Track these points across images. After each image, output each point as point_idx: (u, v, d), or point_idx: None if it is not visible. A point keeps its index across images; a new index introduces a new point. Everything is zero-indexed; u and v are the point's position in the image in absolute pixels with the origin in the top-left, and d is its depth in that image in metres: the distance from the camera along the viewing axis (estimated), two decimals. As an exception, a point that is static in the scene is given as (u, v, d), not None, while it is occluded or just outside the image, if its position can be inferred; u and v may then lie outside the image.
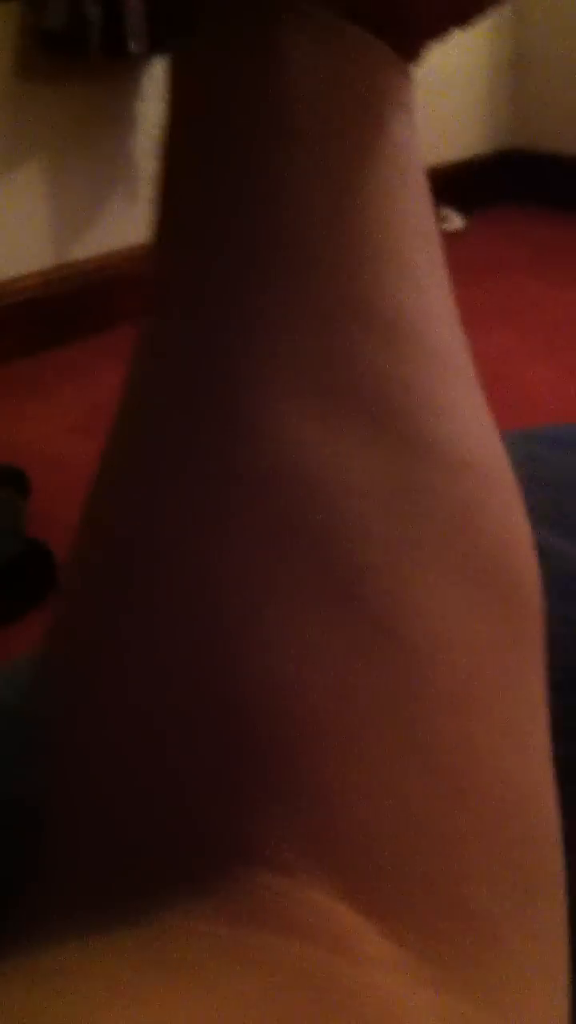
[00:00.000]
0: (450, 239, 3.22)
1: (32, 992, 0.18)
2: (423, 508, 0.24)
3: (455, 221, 3.34)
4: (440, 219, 3.23)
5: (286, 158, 0.26)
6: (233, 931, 0.20)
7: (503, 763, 0.23)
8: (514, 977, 0.21)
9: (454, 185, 3.41)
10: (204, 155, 0.27)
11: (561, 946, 0.23)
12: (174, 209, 0.27)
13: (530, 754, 0.24)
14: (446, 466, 0.25)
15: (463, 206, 3.41)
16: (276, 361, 0.25)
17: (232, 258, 0.26)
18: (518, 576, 0.25)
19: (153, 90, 2.60)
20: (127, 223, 2.64)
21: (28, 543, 1.63)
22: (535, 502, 0.46)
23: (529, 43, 3.50)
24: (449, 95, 3.39)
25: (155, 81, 2.59)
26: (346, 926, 0.20)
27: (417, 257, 0.27)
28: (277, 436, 0.24)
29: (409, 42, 0.29)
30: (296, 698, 0.22)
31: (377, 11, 0.27)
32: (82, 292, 2.56)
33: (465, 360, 0.28)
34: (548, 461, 0.49)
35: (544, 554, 0.43)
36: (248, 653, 0.22)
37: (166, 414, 0.25)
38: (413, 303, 0.26)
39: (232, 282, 0.25)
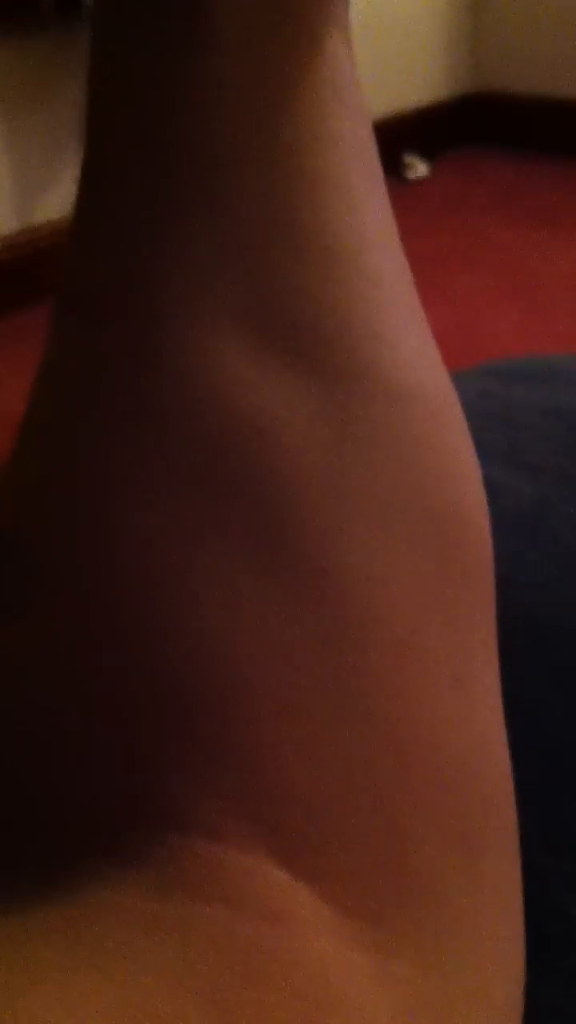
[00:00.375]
0: (415, 186, 3.22)
1: None
2: (363, 444, 0.23)
3: (419, 168, 3.32)
4: (405, 166, 3.23)
5: (207, 72, 0.24)
6: (161, 904, 0.19)
7: (448, 712, 0.22)
8: (459, 938, 0.20)
9: (417, 131, 3.40)
10: (122, 79, 0.25)
11: (514, 904, 0.22)
12: (93, 140, 0.26)
13: (478, 702, 0.23)
14: (387, 398, 0.23)
15: (426, 152, 3.40)
16: (201, 292, 0.23)
17: (154, 184, 0.24)
18: (464, 512, 0.24)
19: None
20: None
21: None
22: (488, 438, 0.46)
23: (487, -17, 3.48)
24: (409, 41, 3.37)
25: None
26: (280, 891, 0.19)
27: (354, 179, 0.25)
28: (204, 372, 0.23)
29: None
30: (226, 650, 0.21)
31: None
32: (46, 255, 2.54)
33: (407, 286, 0.26)
34: (500, 396, 0.48)
35: (494, 491, 0.42)
36: (174, 604, 0.21)
37: (85, 356, 0.24)
38: (349, 226, 0.25)
39: (154, 209, 0.24)
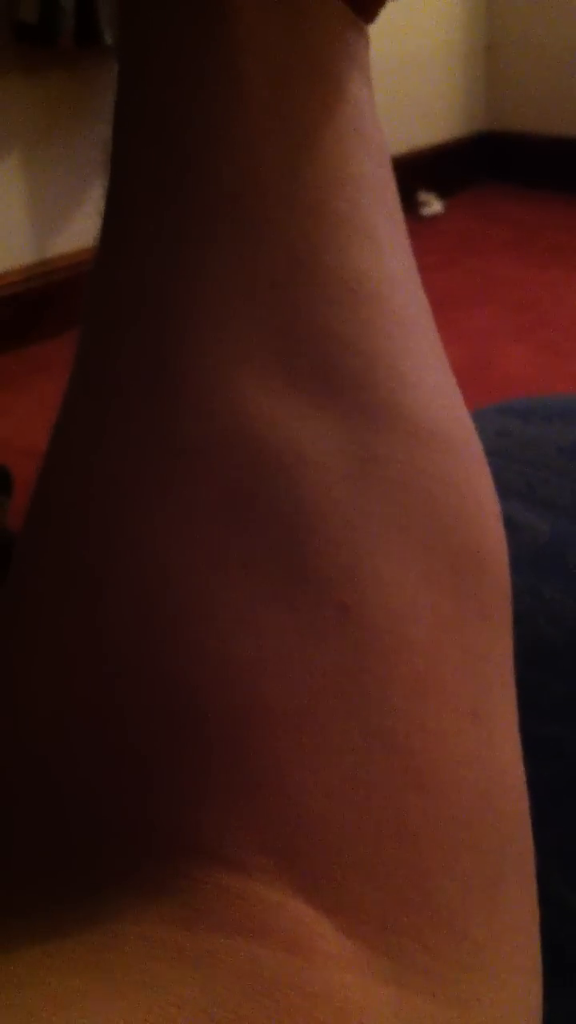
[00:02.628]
0: (430, 223, 3.23)
1: None
2: (384, 480, 0.23)
3: (434, 205, 3.33)
4: (420, 203, 3.23)
5: (236, 113, 0.24)
6: (186, 935, 0.19)
7: (468, 745, 0.22)
8: (479, 971, 0.21)
9: (432, 169, 3.41)
10: (149, 113, 0.25)
11: (532, 935, 0.22)
12: (119, 172, 0.26)
13: (497, 735, 0.23)
14: (409, 436, 0.24)
15: (441, 190, 3.40)
16: (226, 327, 0.23)
17: (178, 219, 0.24)
18: (484, 549, 0.24)
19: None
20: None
21: (11, 538, 1.63)
22: (506, 476, 0.47)
23: (502, 28, 3.50)
24: (425, 80, 3.38)
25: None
26: (302, 924, 0.19)
27: (376, 218, 0.25)
28: (229, 406, 0.23)
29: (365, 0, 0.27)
30: (248, 682, 0.21)
31: None
32: (63, 287, 2.55)
33: (428, 326, 0.26)
34: (519, 434, 0.48)
35: (515, 527, 0.43)
36: (197, 635, 0.21)
37: (111, 387, 0.24)
38: (372, 266, 0.25)
39: (178, 244, 0.24)
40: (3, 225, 2.50)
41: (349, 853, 0.20)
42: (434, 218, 3.29)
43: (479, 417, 0.50)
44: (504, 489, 0.44)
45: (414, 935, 0.20)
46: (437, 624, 0.22)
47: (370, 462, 0.23)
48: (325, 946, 0.19)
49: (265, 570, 0.22)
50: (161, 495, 0.22)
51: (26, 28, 2.32)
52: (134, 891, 0.20)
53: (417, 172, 3.32)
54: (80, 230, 2.60)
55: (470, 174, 3.58)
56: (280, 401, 0.23)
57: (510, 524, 0.42)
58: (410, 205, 3.27)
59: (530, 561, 0.41)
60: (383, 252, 0.25)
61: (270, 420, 0.23)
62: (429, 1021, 0.19)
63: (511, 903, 0.22)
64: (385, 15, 0.30)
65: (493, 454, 0.46)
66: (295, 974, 0.19)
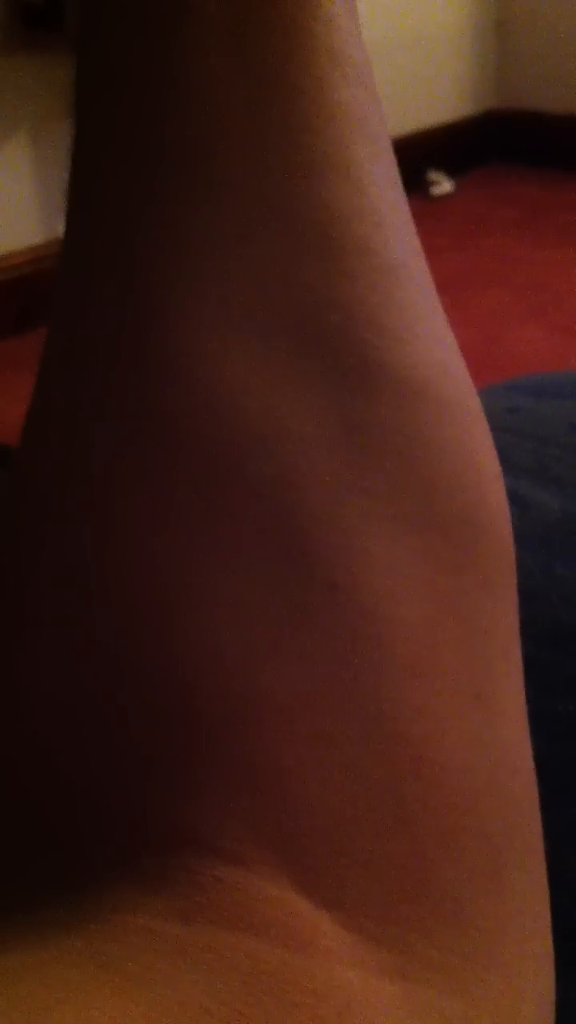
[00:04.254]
0: (440, 202, 3.22)
1: None
2: (371, 449, 0.22)
3: (444, 184, 3.32)
4: (430, 183, 3.23)
5: (192, 51, 0.22)
6: (185, 929, 0.19)
7: (470, 728, 0.21)
8: (486, 959, 0.20)
9: (442, 148, 3.40)
10: (102, 63, 0.23)
11: (542, 920, 0.22)
12: (82, 137, 0.24)
13: (501, 715, 0.22)
14: (396, 398, 0.22)
15: (451, 169, 3.39)
16: (198, 291, 0.22)
17: (144, 177, 0.22)
18: (483, 515, 0.23)
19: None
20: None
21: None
22: (516, 453, 0.46)
23: (512, 5, 3.47)
24: (434, 58, 3.37)
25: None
26: (303, 920, 0.19)
27: (356, 151, 0.23)
28: (207, 376, 0.21)
29: None
30: (241, 672, 0.20)
31: None
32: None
33: (418, 268, 0.24)
34: (530, 411, 0.48)
35: (525, 505, 0.43)
36: (187, 623, 0.20)
37: (79, 365, 0.23)
38: (352, 206, 0.23)
39: (138, 204, 0.22)
40: (11, 206, 2.50)
41: (348, 845, 0.20)
42: (444, 197, 3.28)
43: (488, 394, 0.50)
44: (514, 466, 0.43)
45: (417, 926, 0.20)
46: (434, 601, 0.21)
47: (355, 430, 0.22)
48: (326, 941, 0.19)
49: (251, 552, 0.21)
50: (140, 476, 0.21)
51: (33, 11, 2.32)
52: (132, 883, 0.19)
53: (427, 151, 3.31)
54: (89, 212, 2.60)
55: (480, 153, 3.57)
56: (257, 367, 0.22)
57: (521, 502, 0.42)
58: (420, 185, 3.26)
59: (542, 539, 0.40)
60: (365, 189, 0.23)
61: (249, 389, 0.21)
62: (435, 1013, 0.19)
63: (518, 888, 0.21)
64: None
65: (503, 431, 0.46)
66: (297, 970, 0.18)
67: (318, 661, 0.20)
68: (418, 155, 3.25)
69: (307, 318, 0.22)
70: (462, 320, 2.40)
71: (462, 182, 3.40)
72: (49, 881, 0.20)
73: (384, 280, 0.23)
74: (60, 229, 0.24)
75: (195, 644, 0.20)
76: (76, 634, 0.21)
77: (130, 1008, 0.17)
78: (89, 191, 0.24)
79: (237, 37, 0.22)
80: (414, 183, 3.24)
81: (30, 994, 0.17)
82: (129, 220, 0.22)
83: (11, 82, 2.44)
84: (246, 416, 0.21)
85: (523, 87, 3.56)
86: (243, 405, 0.21)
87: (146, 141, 0.22)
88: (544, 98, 3.50)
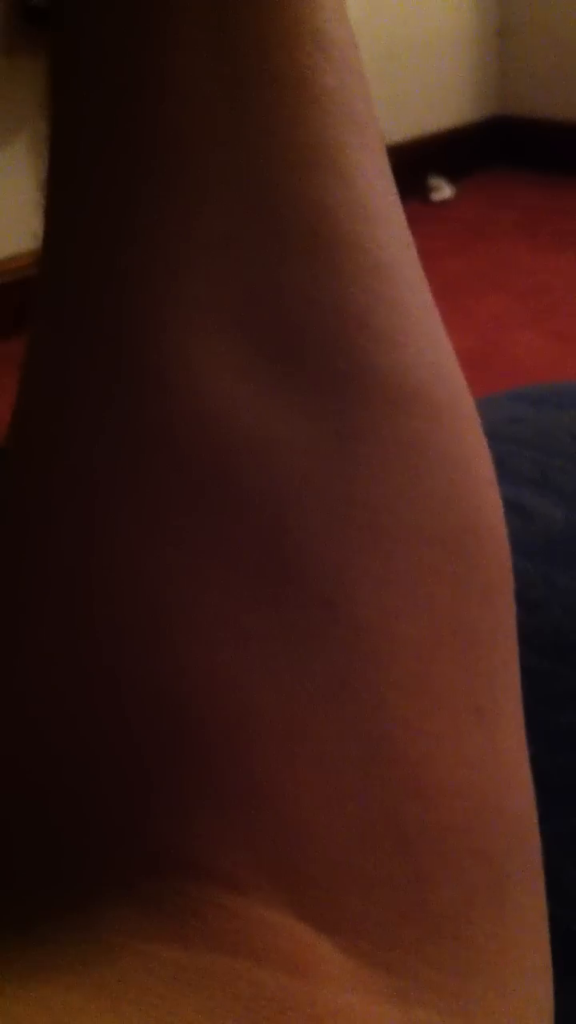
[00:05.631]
0: (440, 208, 3.22)
1: None
2: (366, 459, 0.21)
3: (445, 190, 3.32)
4: (430, 188, 3.22)
5: (169, 31, 0.21)
6: (184, 954, 0.18)
7: (470, 745, 0.21)
8: (486, 978, 0.20)
9: (443, 154, 3.39)
10: (77, 53, 0.22)
11: (540, 935, 0.22)
12: (53, 132, 0.23)
13: (501, 730, 0.22)
14: (389, 405, 0.21)
15: (452, 175, 3.39)
16: (181, 295, 0.21)
17: (114, 175, 0.21)
18: (481, 525, 0.22)
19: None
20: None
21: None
22: (518, 463, 0.46)
23: (514, 11, 3.47)
24: (436, 64, 3.37)
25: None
26: (302, 945, 0.19)
27: (343, 140, 0.22)
28: (196, 387, 0.21)
29: None
30: (237, 693, 0.20)
31: None
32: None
33: (410, 265, 0.23)
34: (532, 421, 0.47)
35: (527, 515, 0.43)
36: (181, 644, 0.20)
37: (58, 376, 0.22)
38: (339, 200, 0.22)
39: (117, 204, 0.21)
40: (12, 208, 2.50)
41: (347, 869, 0.19)
42: (444, 203, 3.28)
43: (490, 404, 0.50)
44: (516, 476, 0.43)
45: (416, 949, 0.19)
46: (434, 616, 0.21)
47: (349, 438, 0.21)
48: (326, 966, 0.19)
49: (245, 569, 0.20)
50: (131, 491, 0.21)
51: (36, 11, 2.32)
52: (131, 906, 0.19)
53: (427, 156, 3.31)
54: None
55: (481, 159, 3.56)
56: (247, 375, 0.21)
57: (523, 512, 0.42)
58: (420, 190, 3.26)
59: (544, 549, 0.40)
60: (353, 182, 0.22)
61: (238, 398, 0.21)
62: None
63: (518, 905, 0.21)
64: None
65: (505, 441, 0.46)
66: (297, 996, 0.18)
67: (316, 681, 0.20)
68: (419, 160, 3.25)
69: (297, 322, 0.21)
70: (462, 325, 2.40)
71: (463, 187, 3.40)
72: (48, 904, 0.20)
73: (374, 279, 0.22)
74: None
75: (191, 665, 0.20)
76: (78, 648, 0.21)
77: None
78: (65, 193, 0.23)
79: (218, 19, 0.21)
80: (415, 188, 3.24)
81: (28, 1017, 0.17)
82: (109, 224, 0.22)
83: (12, 83, 2.44)
84: (237, 427, 0.21)
85: (524, 93, 3.56)
86: (234, 416, 0.21)
87: (123, 137, 0.21)
88: (545, 104, 3.50)
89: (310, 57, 0.22)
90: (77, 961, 0.18)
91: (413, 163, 3.20)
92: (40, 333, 0.23)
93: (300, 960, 0.19)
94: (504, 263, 2.82)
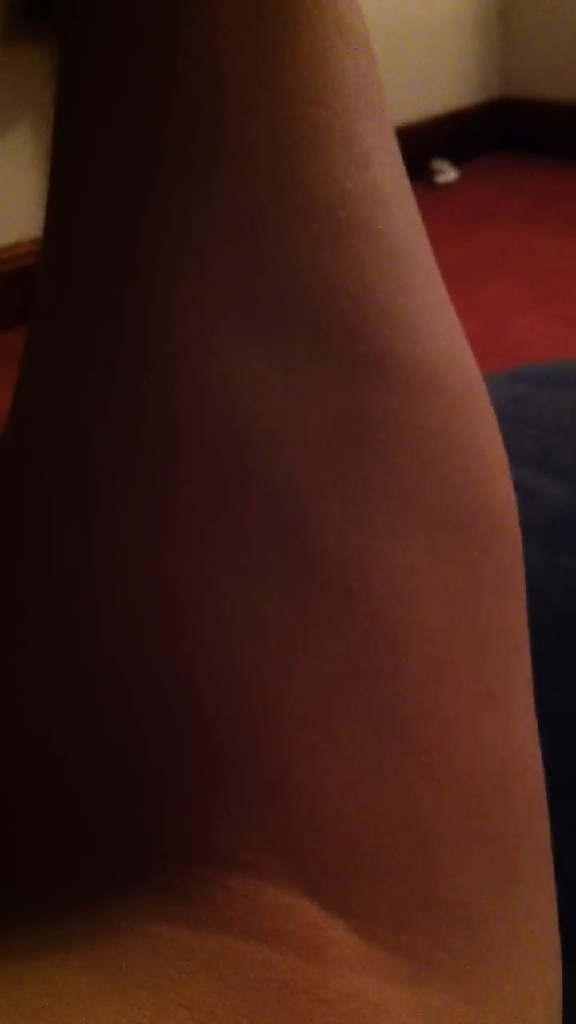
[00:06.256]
0: (444, 191, 3.21)
1: None
2: (384, 445, 0.21)
3: (448, 173, 3.32)
4: (434, 171, 3.22)
5: (194, 13, 0.21)
6: (195, 937, 0.18)
7: (483, 730, 0.21)
8: (497, 963, 0.20)
9: (446, 137, 3.39)
10: (94, 27, 0.22)
11: (550, 920, 0.22)
12: (63, 103, 0.23)
13: (512, 715, 0.22)
14: (406, 390, 0.21)
15: (455, 158, 3.39)
16: (198, 275, 0.21)
17: (130, 149, 0.21)
18: (494, 511, 0.22)
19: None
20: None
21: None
22: (520, 442, 0.46)
23: (517, -11, 3.47)
24: (438, 47, 3.36)
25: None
26: (315, 928, 0.19)
27: (360, 125, 0.22)
28: (209, 372, 0.20)
29: None
30: (254, 682, 0.19)
31: None
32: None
33: (423, 252, 0.23)
34: (533, 400, 0.47)
35: (529, 495, 0.42)
36: (197, 631, 0.20)
37: (74, 360, 0.21)
38: (358, 184, 0.21)
39: (133, 179, 0.21)
40: (13, 197, 2.50)
41: (362, 853, 0.19)
42: (448, 186, 3.27)
43: (491, 383, 0.49)
44: (518, 456, 0.43)
45: (430, 933, 0.19)
46: (449, 602, 0.21)
47: (368, 424, 0.21)
48: (339, 950, 0.19)
49: (261, 557, 0.20)
50: (144, 480, 0.20)
51: (36, 2, 2.32)
52: (141, 892, 0.19)
53: (431, 140, 3.31)
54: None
55: (484, 142, 3.56)
56: (263, 358, 0.21)
57: (524, 491, 0.41)
58: (424, 173, 3.26)
59: (546, 529, 0.40)
60: (370, 165, 0.22)
61: (253, 382, 0.20)
62: (448, 1019, 0.19)
63: (528, 890, 0.21)
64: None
65: (506, 420, 0.45)
66: (309, 979, 0.18)
67: (332, 669, 0.20)
68: (422, 144, 3.25)
69: (319, 305, 0.21)
70: (465, 309, 2.39)
71: (466, 171, 3.40)
72: (59, 889, 0.20)
73: (393, 265, 0.22)
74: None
75: (206, 654, 0.20)
76: (84, 645, 0.20)
77: (137, 1014, 0.17)
78: (78, 172, 0.22)
79: (241, 6, 0.21)
80: (418, 172, 3.23)
81: (36, 1000, 0.17)
82: (125, 202, 0.21)
83: (13, 72, 2.44)
84: (255, 413, 0.20)
85: (527, 75, 3.55)
86: (252, 401, 0.20)
87: (144, 113, 0.21)
88: (548, 86, 3.49)
89: (332, 41, 0.22)
90: (85, 944, 0.18)
91: (416, 146, 3.20)
92: (41, 319, 0.23)
93: (312, 943, 0.19)
94: (508, 246, 2.81)
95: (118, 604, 0.20)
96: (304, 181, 0.21)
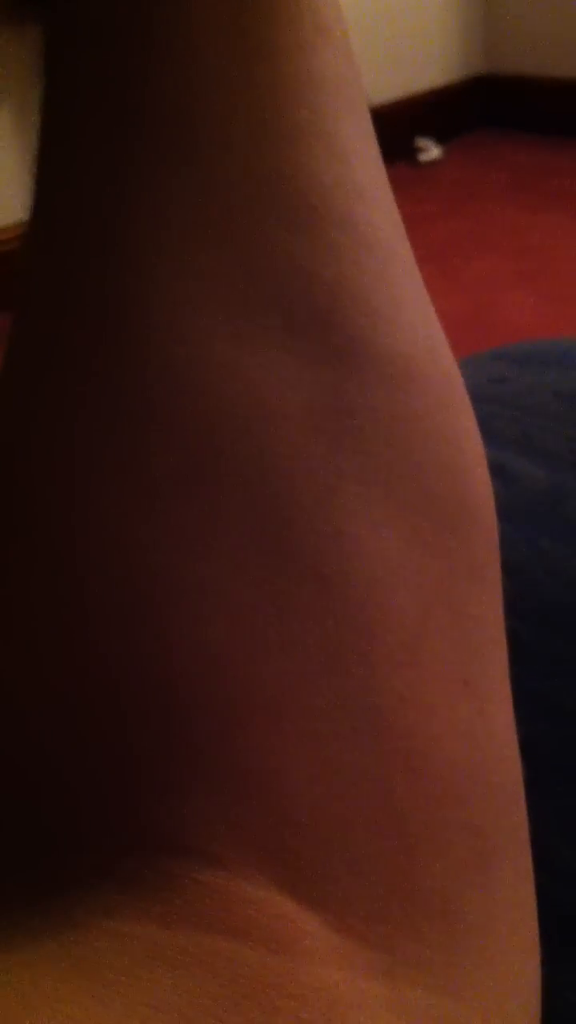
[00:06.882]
0: (428, 169, 3.20)
1: None
2: (359, 433, 0.21)
3: (433, 151, 3.31)
4: (418, 149, 3.21)
5: (176, 16, 0.21)
6: (163, 932, 0.18)
7: (459, 717, 0.21)
8: (474, 955, 0.20)
9: (430, 114, 3.38)
10: (77, 20, 0.22)
11: (528, 911, 0.22)
12: (48, 98, 0.23)
13: (489, 702, 0.22)
14: (383, 380, 0.21)
15: (439, 135, 3.38)
16: (178, 264, 0.21)
17: (111, 142, 0.21)
18: (471, 499, 0.22)
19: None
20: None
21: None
22: (500, 424, 0.46)
23: (499, -36, 3.46)
24: (421, 23, 3.35)
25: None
26: (286, 921, 0.19)
27: (339, 122, 0.22)
28: (187, 360, 0.20)
29: None
30: (228, 667, 0.19)
31: None
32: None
33: (401, 245, 0.23)
34: (515, 381, 0.47)
35: (509, 477, 0.42)
36: (171, 617, 0.20)
37: (49, 348, 0.22)
38: (337, 179, 0.22)
39: (113, 172, 0.21)
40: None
41: (336, 844, 0.19)
42: (432, 164, 3.26)
43: (472, 363, 0.49)
44: (499, 437, 0.43)
45: (405, 925, 0.19)
46: (425, 589, 0.21)
47: (344, 413, 0.21)
48: (311, 943, 0.18)
49: (236, 542, 0.20)
50: (121, 465, 0.20)
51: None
52: (110, 887, 0.19)
53: (414, 118, 3.30)
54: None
55: (468, 119, 3.55)
56: (237, 346, 0.21)
57: (505, 473, 0.41)
58: (408, 151, 3.25)
59: (526, 512, 0.40)
60: (349, 161, 0.22)
61: (233, 370, 0.21)
62: (423, 1013, 0.19)
63: (505, 880, 0.21)
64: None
65: (487, 401, 0.45)
66: (278, 973, 0.18)
67: (307, 656, 0.20)
68: (406, 121, 3.24)
69: (294, 295, 0.21)
70: (452, 287, 2.39)
71: (450, 148, 3.39)
72: (27, 887, 0.19)
73: (369, 257, 0.22)
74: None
75: (180, 641, 0.19)
76: (63, 632, 0.20)
77: (104, 1014, 0.16)
78: (60, 160, 0.22)
79: (224, 4, 0.21)
80: (402, 150, 3.22)
81: (2, 1007, 0.16)
82: (105, 189, 0.21)
83: (-6, 56, 2.42)
84: (231, 399, 0.20)
85: (511, 52, 3.54)
86: (227, 387, 0.20)
87: (123, 102, 0.21)
88: (532, 63, 3.48)
89: (309, 36, 0.22)
90: (54, 945, 0.18)
91: (400, 124, 3.19)
92: (24, 307, 0.23)
93: (283, 936, 0.18)
94: (493, 223, 2.81)
95: (96, 589, 0.20)
96: (281, 173, 0.21)
